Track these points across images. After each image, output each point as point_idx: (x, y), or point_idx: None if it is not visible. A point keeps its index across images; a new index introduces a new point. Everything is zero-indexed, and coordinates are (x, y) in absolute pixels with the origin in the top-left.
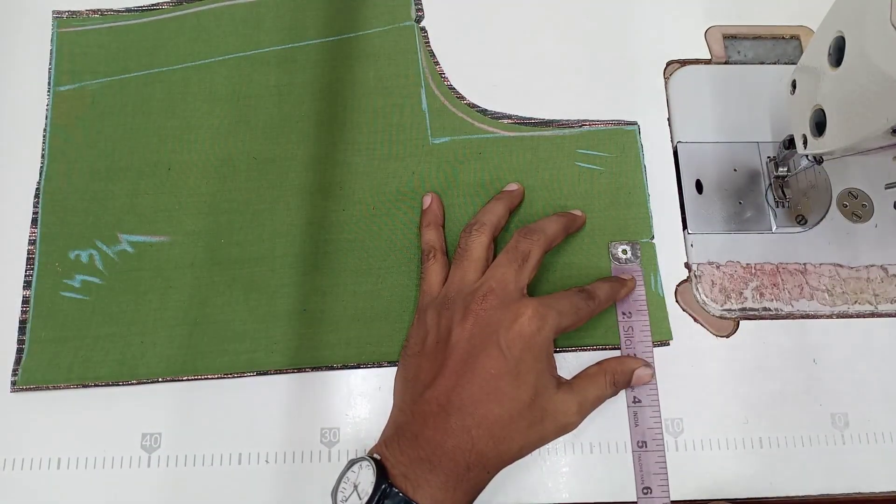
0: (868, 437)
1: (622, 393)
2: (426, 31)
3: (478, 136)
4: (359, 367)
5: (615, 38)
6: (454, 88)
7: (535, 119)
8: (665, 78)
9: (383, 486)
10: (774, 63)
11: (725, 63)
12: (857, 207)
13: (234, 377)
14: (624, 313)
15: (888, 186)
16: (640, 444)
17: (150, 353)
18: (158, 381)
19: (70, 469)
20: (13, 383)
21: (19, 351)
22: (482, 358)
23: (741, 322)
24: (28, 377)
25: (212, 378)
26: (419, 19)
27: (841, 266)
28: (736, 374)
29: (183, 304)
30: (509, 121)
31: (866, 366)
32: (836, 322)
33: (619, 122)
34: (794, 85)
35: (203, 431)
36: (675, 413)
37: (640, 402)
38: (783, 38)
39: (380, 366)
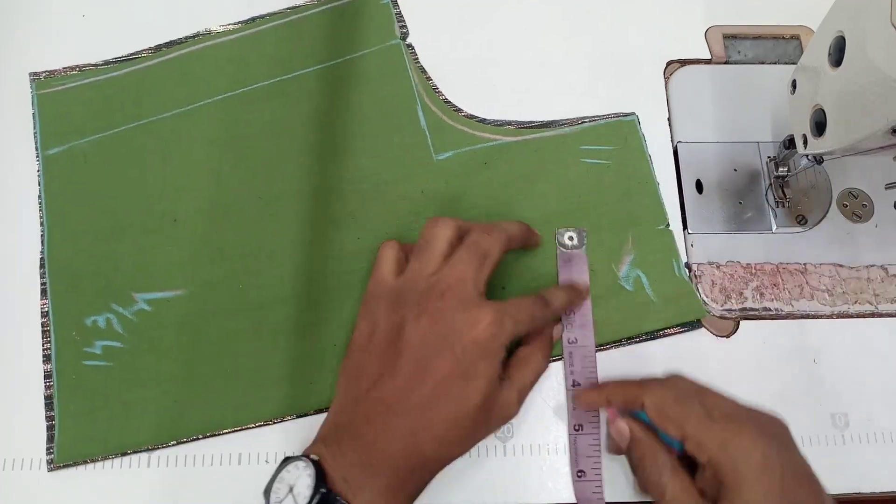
0: (868, 437)
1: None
2: (413, 48)
3: (481, 146)
4: None
5: (615, 38)
6: (450, 102)
7: (535, 122)
8: (665, 78)
9: (322, 491)
10: (775, 63)
11: (726, 63)
12: (857, 207)
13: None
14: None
15: (888, 186)
16: (577, 428)
17: (189, 413)
18: (199, 439)
19: (69, 468)
20: (49, 462)
21: (50, 428)
22: (435, 360)
23: (741, 322)
24: (64, 454)
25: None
26: (404, 36)
27: (841, 266)
28: (736, 374)
29: (213, 357)
30: (510, 126)
31: (866, 366)
32: (837, 322)
33: (617, 115)
34: (794, 85)
35: None
36: None
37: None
38: (783, 37)
39: None
